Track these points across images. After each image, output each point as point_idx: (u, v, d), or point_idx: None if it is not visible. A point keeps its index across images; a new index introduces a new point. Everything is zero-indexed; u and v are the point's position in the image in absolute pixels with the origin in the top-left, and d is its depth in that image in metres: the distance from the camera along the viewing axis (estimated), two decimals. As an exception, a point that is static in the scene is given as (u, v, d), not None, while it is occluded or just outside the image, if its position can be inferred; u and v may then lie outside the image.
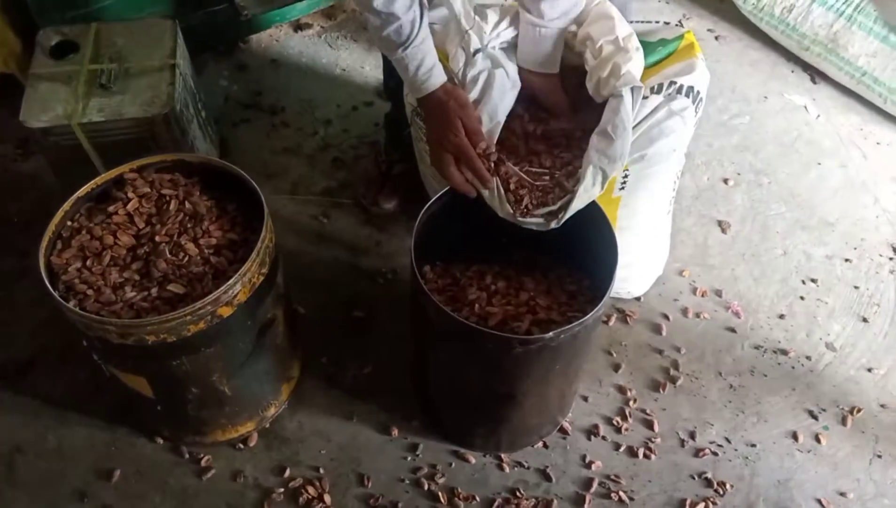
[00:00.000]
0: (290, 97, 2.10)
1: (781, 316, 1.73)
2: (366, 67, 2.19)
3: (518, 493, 1.46)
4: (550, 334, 1.15)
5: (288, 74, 2.16)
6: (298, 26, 2.27)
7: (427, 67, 1.27)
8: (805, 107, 2.17)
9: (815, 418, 1.58)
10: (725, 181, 1.98)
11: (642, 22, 1.45)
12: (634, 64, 1.26)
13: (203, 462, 1.47)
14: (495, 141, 1.31)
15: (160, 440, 1.50)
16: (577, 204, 1.24)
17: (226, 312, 1.18)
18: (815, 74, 2.24)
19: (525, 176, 1.29)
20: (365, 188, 1.87)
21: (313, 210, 1.87)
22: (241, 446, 1.49)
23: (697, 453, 1.52)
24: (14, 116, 2.01)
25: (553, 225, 1.26)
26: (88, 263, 1.21)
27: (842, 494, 1.48)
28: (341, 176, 1.94)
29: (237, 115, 2.05)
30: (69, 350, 1.61)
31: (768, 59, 2.29)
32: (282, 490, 1.44)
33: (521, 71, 1.34)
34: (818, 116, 2.15)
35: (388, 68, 1.71)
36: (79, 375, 1.58)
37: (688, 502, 1.46)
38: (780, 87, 2.22)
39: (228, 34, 2.16)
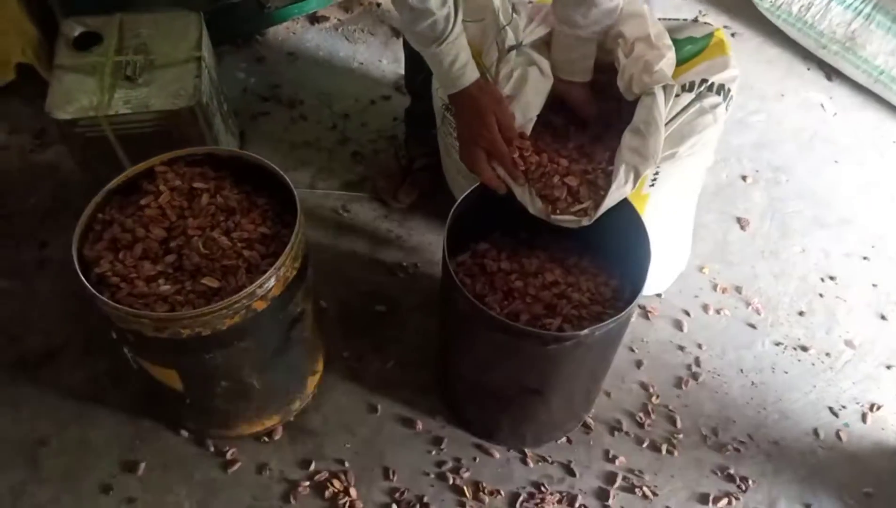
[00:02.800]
0: (308, 90, 2.09)
1: (801, 313, 1.73)
2: (383, 60, 2.18)
3: (543, 488, 1.47)
4: (585, 331, 1.15)
5: (305, 68, 2.15)
6: (315, 19, 2.26)
7: (461, 62, 1.27)
8: (822, 105, 2.17)
9: (836, 415, 1.59)
10: (744, 178, 1.98)
11: (671, 20, 1.45)
12: (666, 62, 1.26)
13: (228, 455, 1.47)
14: (527, 136, 1.31)
15: (185, 433, 1.50)
16: (609, 202, 1.24)
17: (260, 306, 1.18)
18: (831, 72, 2.24)
19: (557, 172, 1.29)
20: (385, 182, 1.87)
21: (333, 204, 1.87)
22: (266, 439, 1.49)
23: (720, 449, 1.53)
24: (30, 106, 2.02)
25: (585, 222, 1.26)
26: (120, 255, 1.21)
27: (865, 493, 1.49)
28: (360, 170, 1.93)
29: (256, 107, 2.04)
30: (89, 342, 1.61)
31: (784, 56, 2.30)
32: (307, 483, 1.45)
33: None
34: (835, 113, 2.15)
35: (411, 64, 1.70)
36: (100, 367, 1.58)
37: (711, 497, 1.47)
38: (796, 85, 2.22)
39: (247, 27, 2.15)
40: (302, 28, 2.25)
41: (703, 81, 1.32)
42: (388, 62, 2.18)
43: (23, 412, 1.52)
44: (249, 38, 2.19)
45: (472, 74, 1.29)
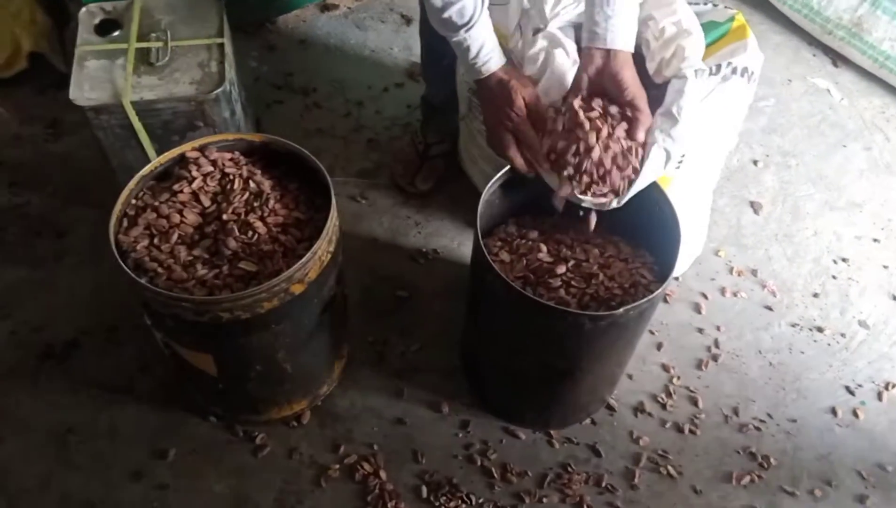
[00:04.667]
0: (321, 78, 2.09)
1: (815, 295, 1.76)
2: (394, 48, 2.18)
3: (569, 468, 1.48)
4: (621, 310, 1.17)
5: (317, 55, 2.15)
6: (325, 6, 2.26)
7: (489, 48, 1.27)
8: (828, 90, 2.20)
9: (853, 393, 1.62)
10: (755, 163, 2.00)
11: (690, 4, 1.46)
12: (697, 46, 1.28)
13: (258, 440, 1.48)
14: None
15: (213, 419, 1.50)
16: (640, 184, 1.25)
17: (298, 289, 1.19)
18: (837, 58, 2.27)
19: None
20: (402, 169, 1.87)
21: (351, 191, 1.87)
22: (295, 424, 1.50)
23: (741, 428, 1.56)
24: (42, 95, 2.01)
25: (615, 204, 1.27)
26: (156, 241, 1.21)
27: (881, 467, 1.53)
28: (376, 157, 1.94)
29: (269, 96, 2.04)
30: (113, 331, 1.61)
31: (790, 43, 2.32)
32: (337, 466, 1.46)
33: (587, 54, 1.24)
34: (841, 99, 2.18)
35: (427, 52, 1.71)
36: (125, 356, 1.58)
37: (734, 475, 1.49)
38: (802, 70, 2.25)
39: (258, 14, 2.15)
40: (312, 16, 2.24)
41: (728, 63, 1.34)
42: (400, 49, 2.18)
43: (50, 401, 1.52)
44: (260, 27, 2.18)
45: (499, 59, 1.29)
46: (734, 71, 1.34)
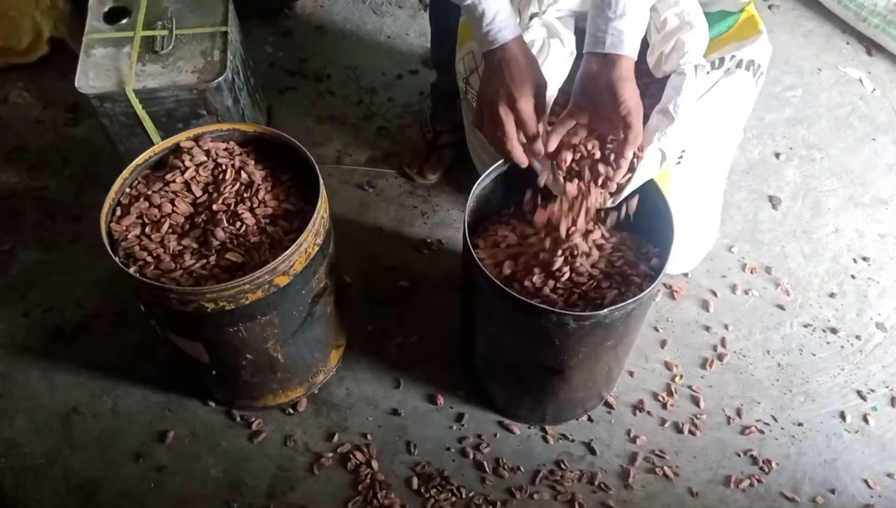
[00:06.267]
0: (335, 65, 2.09)
1: (832, 295, 1.70)
2: (410, 34, 2.17)
3: (563, 465, 1.47)
4: (605, 310, 1.14)
5: (333, 41, 2.15)
6: (343, -9, 2.25)
7: (504, 14, 1.16)
8: (860, 80, 2.11)
9: (864, 398, 1.57)
10: (777, 156, 1.94)
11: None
12: (699, 40, 1.23)
13: (254, 426, 1.50)
14: (548, 112, 1.29)
15: (212, 404, 1.53)
16: (634, 184, 1.22)
17: (282, 281, 1.19)
18: (871, 47, 2.17)
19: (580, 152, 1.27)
20: (410, 158, 1.86)
21: (358, 179, 1.87)
22: (291, 411, 1.52)
23: (744, 430, 1.52)
24: (63, 80, 2.04)
25: (609, 204, 1.24)
26: (147, 230, 1.23)
27: (889, 475, 1.48)
28: (386, 146, 1.93)
29: (282, 82, 2.05)
30: (121, 314, 1.65)
31: (822, 30, 2.23)
32: (331, 454, 1.47)
33: (585, 59, 1.16)
34: (873, 89, 2.09)
35: (437, 37, 1.69)
36: (130, 338, 1.62)
37: (733, 479, 1.46)
38: (834, 59, 2.16)
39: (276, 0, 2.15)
40: (329, 1, 2.24)
41: (732, 56, 1.29)
42: (416, 35, 2.16)
43: (58, 380, 1.56)
44: (278, 12, 2.18)
45: (514, 29, 1.17)
46: (738, 64, 1.29)
